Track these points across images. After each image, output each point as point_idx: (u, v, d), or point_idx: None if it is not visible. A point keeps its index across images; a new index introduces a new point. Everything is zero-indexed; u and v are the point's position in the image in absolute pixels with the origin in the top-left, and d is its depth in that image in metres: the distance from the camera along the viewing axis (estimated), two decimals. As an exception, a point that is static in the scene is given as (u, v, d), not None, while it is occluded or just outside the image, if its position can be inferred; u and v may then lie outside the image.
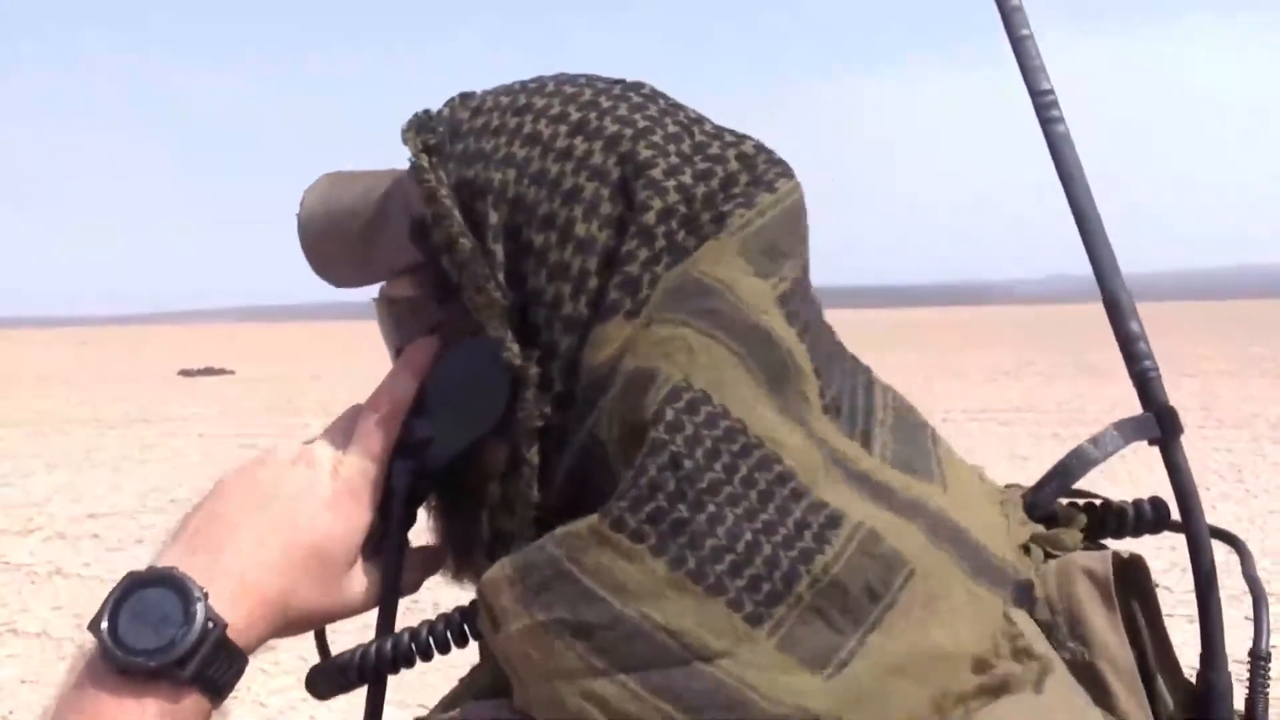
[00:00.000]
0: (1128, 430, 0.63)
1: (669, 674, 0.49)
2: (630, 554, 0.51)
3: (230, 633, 0.57)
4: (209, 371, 24.86)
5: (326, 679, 0.62)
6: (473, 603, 0.59)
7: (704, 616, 0.50)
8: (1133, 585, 0.61)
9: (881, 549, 0.52)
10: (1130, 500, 0.67)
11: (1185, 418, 0.66)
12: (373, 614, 0.64)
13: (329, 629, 0.67)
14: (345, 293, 0.73)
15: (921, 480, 0.58)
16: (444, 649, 0.60)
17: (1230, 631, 0.61)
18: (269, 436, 12.61)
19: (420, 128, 0.64)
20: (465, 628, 0.59)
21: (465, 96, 0.66)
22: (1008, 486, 0.65)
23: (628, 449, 0.54)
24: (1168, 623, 0.63)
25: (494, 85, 0.67)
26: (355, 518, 0.62)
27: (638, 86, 0.65)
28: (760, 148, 0.63)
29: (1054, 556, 0.61)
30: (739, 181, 0.61)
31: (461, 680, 0.58)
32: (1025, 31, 0.69)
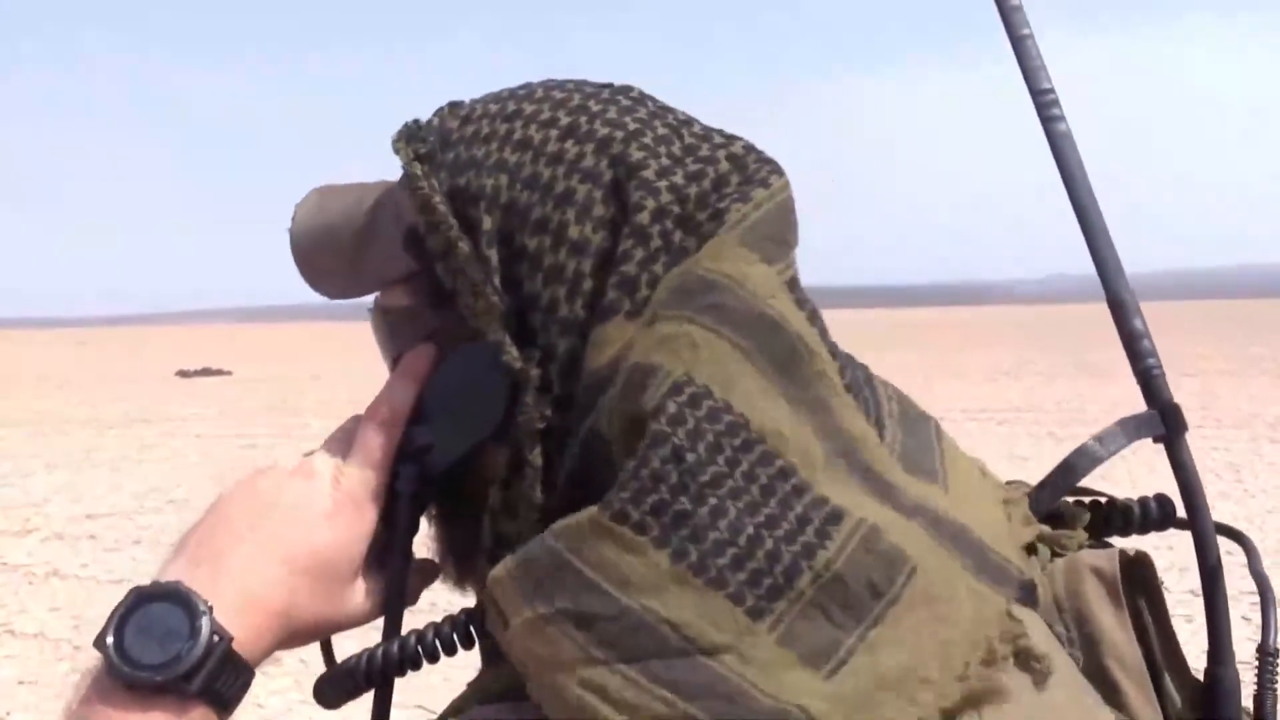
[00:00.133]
0: (1132, 428, 0.64)
1: (670, 664, 0.49)
2: (633, 546, 0.51)
3: (236, 645, 0.57)
4: (206, 372, 24.85)
5: (334, 686, 0.62)
6: (478, 604, 0.59)
7: (705, 610, 0.50)
8: (1139, 583, 0.62)
9: (883, 546, 0.52)
10: (1136, 498, 0.67)
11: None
12: (374, 623, 0.64)
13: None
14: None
15: (925, 477, 0.58)
16: (450, 651, 0.60)
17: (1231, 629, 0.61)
18: (268, 437, 12.61)
19: (410, 137, 0.65)
20: (470, 629, 0.59)
21: (454, 105, 0.66)
22: (1010, 483, 0.65)
23: (630, 442, 0.53)
24: (1167, 622, 0.63)
25: (493, 86, 0.68)
26: (358, 527, 0.62)
27: (626, 90, 0.65)
28: (750, 148, 0.63)
29: (1061, 555, 0.61)
30: (731, 181, 0.61)
31: (469, 684, 0.57)
32: (1026, 31, 0.69)
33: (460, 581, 0.67)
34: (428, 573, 0.68)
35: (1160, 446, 0.65)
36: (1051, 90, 0.68)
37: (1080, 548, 0.63)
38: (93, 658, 0.57)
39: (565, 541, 0.52)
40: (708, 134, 0.63)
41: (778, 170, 0.63)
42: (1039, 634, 0.55)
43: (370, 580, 0.64)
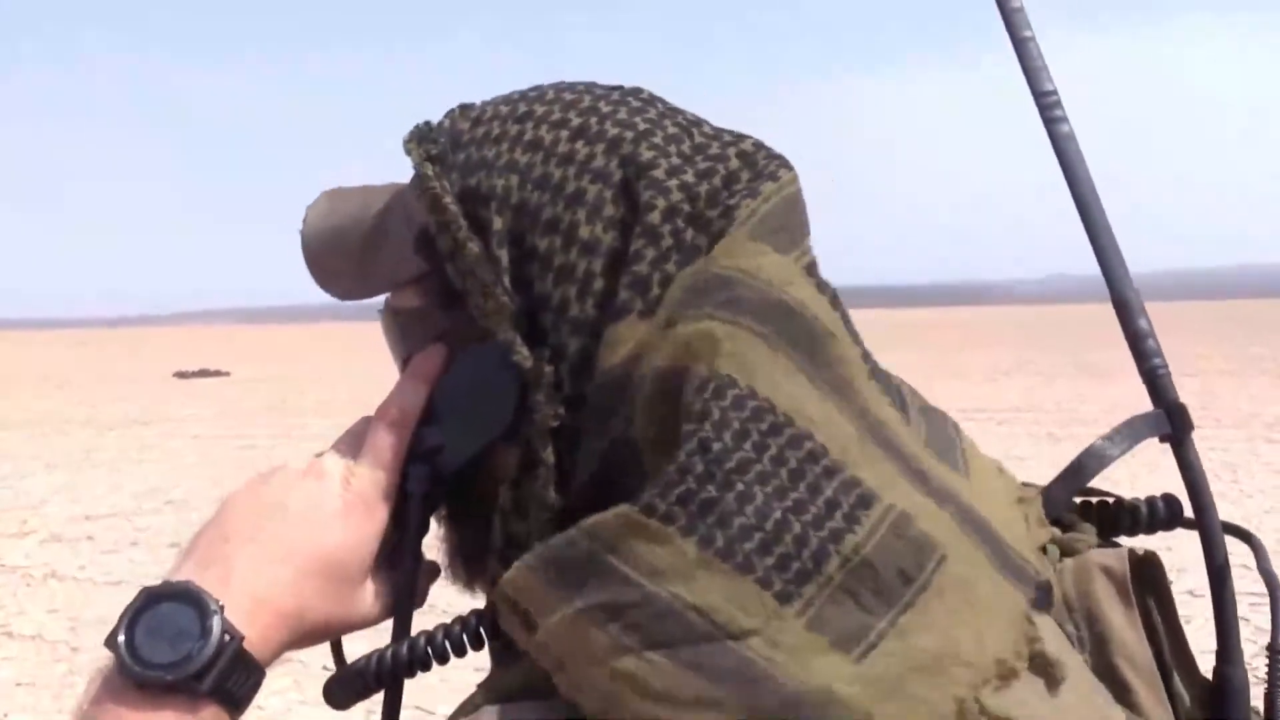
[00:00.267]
0: (1140, 427, 0.64)
1: (698, 650, 0.49)
2: (661, 537, 0.51)
3: (246, 645, 0.57)
4: (204, 374, 24.83)
5: (344, 687, 0.62)
6: (488, 605, 0.59)
7: (733, 594, 0.49)
8: (1149, 582, 0.62)
9: (913, 532, 0.52)
10: (1143, 497, 0.67)
11: (1185, 417, 0.66)
12: (383, 624, 0.64)
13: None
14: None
15: (950, 468, 0.59)
16: (460, 653, 0.60)
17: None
18: (267, 438, 12.62)
19: (422, 139, 0.65)
20: (481, 631, 0.59)
21: (465, 107, 0.67)
22: (1023, 484, 0.65)
23: (663, 449, 0.53)
24: (1172, 623, 0.63)
25: (493, 86, 0.68)
26: (368, 528, 0.62)
27: (636, 92, 0.65)
28: (759, 145, 0.64)
29: (1070, 554, 0.61)
30: (741, 178, 0.61)
31: (480, 685, 0.57)
32: (1027, 33, 0.69)
33: (470, 583, 0.67)
34: (433, 574, 0.68)
35: (1163, 446, 0.65)
36: (1054, 92, 0.68)
37: (1090, 548, 0.63)
38: (96, 658, 0.57)
39: (597, 538, 0.52)
40: (717, 133, 0.64)
41: (786, 164, 0.63)
42: (1052, 637, 0.55)
43: (380, 581, 0.64)
